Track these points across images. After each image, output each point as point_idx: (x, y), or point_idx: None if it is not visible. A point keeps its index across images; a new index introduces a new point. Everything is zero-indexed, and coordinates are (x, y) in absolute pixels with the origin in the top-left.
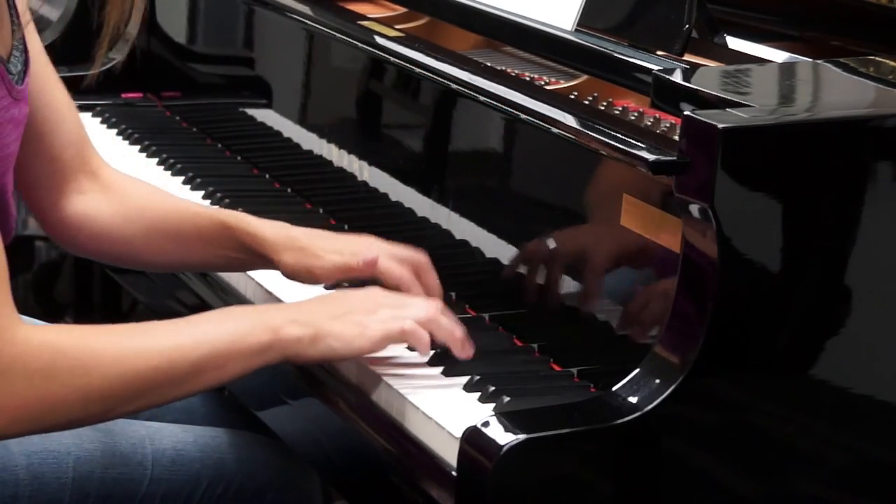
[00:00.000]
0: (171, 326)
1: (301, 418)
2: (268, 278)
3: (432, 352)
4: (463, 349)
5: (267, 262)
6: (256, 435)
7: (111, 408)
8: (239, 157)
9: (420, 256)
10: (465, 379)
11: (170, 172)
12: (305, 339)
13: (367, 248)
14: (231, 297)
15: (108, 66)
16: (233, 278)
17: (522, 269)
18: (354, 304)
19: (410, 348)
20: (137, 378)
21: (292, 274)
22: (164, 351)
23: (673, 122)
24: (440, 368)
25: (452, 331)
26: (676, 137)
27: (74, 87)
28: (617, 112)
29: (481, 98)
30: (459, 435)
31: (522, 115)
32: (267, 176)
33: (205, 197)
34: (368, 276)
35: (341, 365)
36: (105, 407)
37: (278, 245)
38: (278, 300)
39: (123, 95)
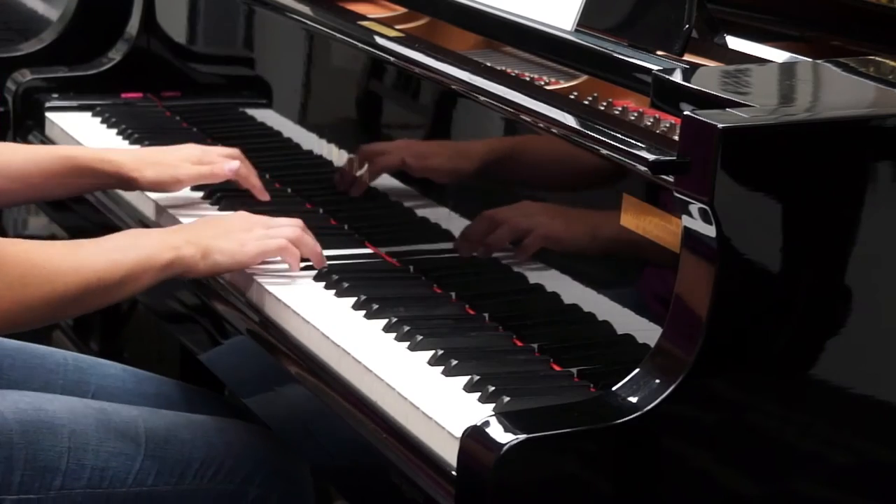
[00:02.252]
0: (102, 245)
1: (292, 409)
2: None
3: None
4: (321, 262)
5: (123, 180)
6: (246, 423)
7: (66, 309)
8: None
9: (238, 151)
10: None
11: None
12: (197, 256)
13: (206, 152)
14: (231, 296)
15: (107, 66)
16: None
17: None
18: (233, 224)
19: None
20: (87, 286)
21: (156, 185)
22: (105, 264)
23: (673, 122)
24: (441, 368)
25: (314, 247)
26: (676, 137)
27: (75, 87)
28: (617, 112)
29: (481, 98)
30: (459, 435)
31: (522, 115)
32: (267, 176)
33: (205, 197)
34: (223, 179)
35: (325, 355)
36: (62, 309)
37: (136, 163)
38: (281, 301)
39: (123, 95)
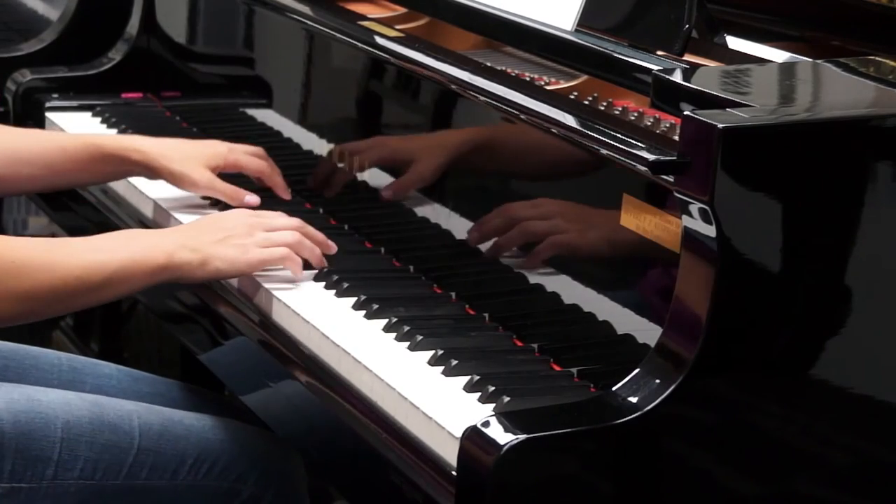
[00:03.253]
0: (87, 243)
1: (293, 409)
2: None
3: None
4: (321, 264)
5: (149, 168)
6: (241, 422)
7: (37, 309)
8: None
9: (261, 150)
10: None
11: None
12: (194, 263)
13: (231, 151)
14: (231, 297)
15: (107, 66)
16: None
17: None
18: (233, 227)
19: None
20: (62, 285)
21: (176, 179)
22: (84, 264)
23: (673, 122)
24: (441, 368)
25: (313, 249)
26: (676, 137)
27: (75, 87)
28: (617, 112)
29: (481, 98)
30: (459, 435)
31: (522, 115)
32: None
33: (204, 196)
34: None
35: (325, 355)
36: (32, 307)
37: (162, 153)
38: (280, 301)
39: (123, 95)
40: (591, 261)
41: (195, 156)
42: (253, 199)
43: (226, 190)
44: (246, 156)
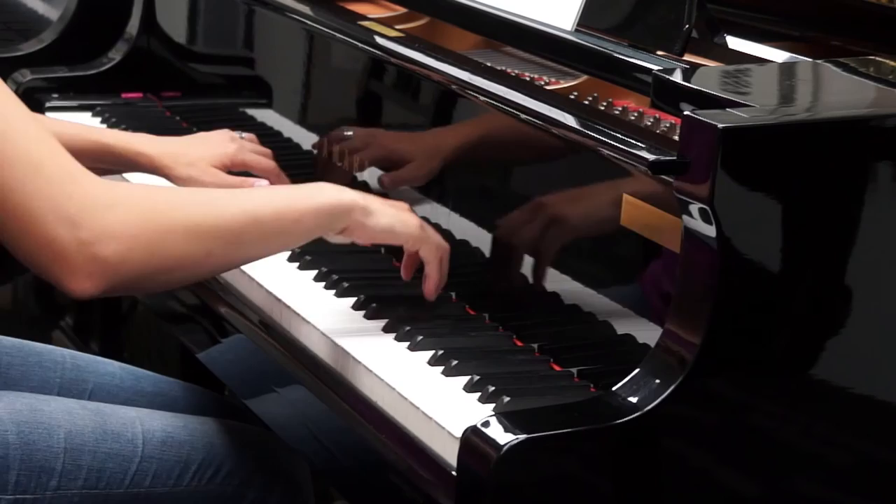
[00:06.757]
0: (246, 191)
1: (293, 409)
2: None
3: (433, 352)
4: (435, 291)
5: (157, 173)
6: (245, 424)
7: (210, 249)
8: None
9: (269, 152)
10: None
11: None
12: (369, 210)
13: (239, 151)
14: (231, 296)
15: (107, 66)
16: (236, 279)
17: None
18: (396, 204)
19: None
20: (230, 219)
21: (186, 183)
22: (249, 199)
23: (673, 122)
24: (441, 368)
25: (445, 271)
26: (676, 137)
27: (74, 87)
28: (617, 112)
29: (481, 98)
30: (459, 435)
31: (522, 115)
32: None
33: None
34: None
35: (325, 355)
36: (205, 246)
37: (170, 160)
38: (281, 301)
39: (123, 95)
40: (587, 258)
41: (203, 157)
42: (262, 184)
43: (233, 183)
44: (253, 155)
